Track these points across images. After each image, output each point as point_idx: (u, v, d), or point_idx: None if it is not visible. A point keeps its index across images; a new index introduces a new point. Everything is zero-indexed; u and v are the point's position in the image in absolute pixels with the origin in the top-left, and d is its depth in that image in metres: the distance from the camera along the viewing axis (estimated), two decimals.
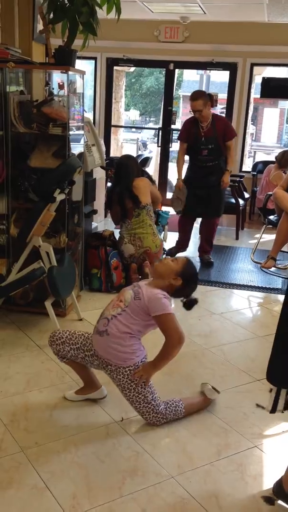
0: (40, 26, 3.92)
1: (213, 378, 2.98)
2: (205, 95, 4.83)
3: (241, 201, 6.27)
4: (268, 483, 2.14)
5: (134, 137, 14.36)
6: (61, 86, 3.53)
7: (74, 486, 2.08)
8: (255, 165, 7.55)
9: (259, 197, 6.48)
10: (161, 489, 2.09)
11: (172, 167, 8.32)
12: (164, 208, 5.06)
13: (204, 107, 4.72)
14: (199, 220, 5.45)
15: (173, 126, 7.81)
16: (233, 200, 6.13)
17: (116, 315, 2.39)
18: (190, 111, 4.92)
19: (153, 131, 16.31)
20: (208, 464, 2.25)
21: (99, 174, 4.67)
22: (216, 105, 8.04)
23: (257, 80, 7.75)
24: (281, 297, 4.47)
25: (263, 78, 7.23)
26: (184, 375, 3.01)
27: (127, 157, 4.52)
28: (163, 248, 4.62)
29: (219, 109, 10.83)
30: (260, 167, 7.40)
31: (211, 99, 4.80)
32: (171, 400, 2.51)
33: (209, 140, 4.84)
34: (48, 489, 2.05)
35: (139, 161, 5.73)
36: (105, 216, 5.83)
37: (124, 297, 2.43)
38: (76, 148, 3.70)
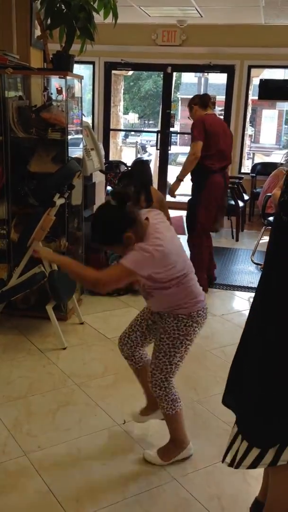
0: (37, 32, 3.93)
1: (215, 380, 2.99)
2: (191, 99, 4.53)
3: (240, 203, 6.29)
4: None
5: (133, 140, 14.40)
6: (59, 91, 3.55)
7: (78, 489, 2.09)
8: (254, 167, 7.58)
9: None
10: (164, 491, 2.09)
11: (171, 170, 8.36)
12: None
13: (191, 112, 4.48)
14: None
15: (171, 129, 7.83)
16: (232, 202, 6.14)
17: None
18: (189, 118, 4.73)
19: (152, 134, 16.33)
20: (211, 466, 2.25)
21: (99, 178, 4.69)
22: (214, 107, 8.08)
23: (255, 82, 7.78)
24: None
25: (261, 80, 7.26)
26: (185, 377, 3.02)
27: (142, 160, 4.56)
28: None
29: (218, 111, 10.87)
30: (259, 168, 7.42)
31: (203, 99, 4.44)
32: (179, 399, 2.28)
33: None
34: (52, 492, 2.06)
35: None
36: None
37: None
38: (75, 153, 3.72)
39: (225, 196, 4.60)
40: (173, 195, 4.49)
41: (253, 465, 1.63)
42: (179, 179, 4.41)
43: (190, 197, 4.51)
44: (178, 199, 5.40)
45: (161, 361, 2.18)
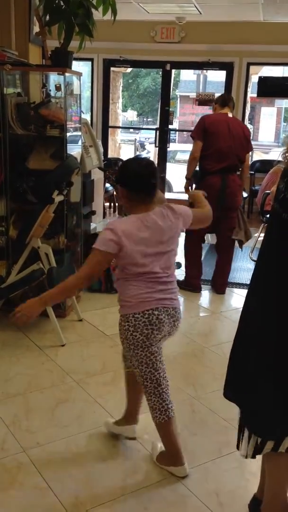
0: (36, 28, 3.93)
1: (213, 376, 2.99)
2: (216, 98, 4.66)
3: None
4: None
5: (132, 137, 14.38)
6: (58, 88, 3.54)
7: (76, 485, 2.09)
8: (252, 164, 7.57)
9: None
10: (162, 487, 2.10)
11: (169, 167, 8.36)
12: None
13: (213, 110, 4.56)
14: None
15: (170, 126, 7.82)
16: None
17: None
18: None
19: (151, 132, 16.31)
20: (209, 462, 2.26)
21: (97, 175, 4.69)
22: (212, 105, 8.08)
23: (254, 80, 7.77)
24: None
25: (260, 77, 7.25)
26: (184, 373, 3.03)
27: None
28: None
29: None
30: (258, 166, 7.42)
31: (223, 99, 4.48)
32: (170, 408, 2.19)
33: None
34: (50, 488, 2.07)
35: None
36: (104, 217, 5.84)
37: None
38: (74, 150, 3.71)
39: (224, 200, 4.18)
40: (187, 193, 4.37)
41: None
42: (186, 177, 4.42)
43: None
44: (178, 196, 5.40)
45: (138, 369, 2.13)
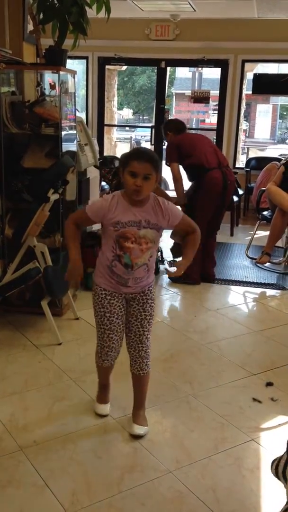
0: (30, 27, 3.92)
1: (210, 374, 3.00)
2: (165, 125, 4.71)
3: (235, 198, 6.29)
4: (265, 476, 2.16)
5: (127, 135, 14.36)
6: (52, 86, 3.54)
7: (73, 483, 2.10)
8: (248, 162, 7.59)
9: None
10: (159, 484, 2.11)
11: (165, 165, 8.34)
12: None
13: (166, 137, 4.64)
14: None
15: None
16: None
17: (151, 254, 2.28)
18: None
19: (146, 130, 16.30)
20: (206, 458, 2.27)
21: (93, 174, 4.68)
22: (209, 102, 8.09)
23: (249, 77, 7.78)
24: (276, 292, 4.50)
25: (255, 74, 7.26)
26: (181, 371, 3.03)
27: None
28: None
29: (212, 106, 10.85)
30: (253, 163, 7.43)
31: (178, 126, 4.58)
32: None
33: None
34: (48, 486, 2.07)
35: None
36: None
37: (147, 237, 2.22)
38: (69, 148, 3.71)
39: (226, 195, 4.41)
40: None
41: None
42: (180, 204, 4.30)
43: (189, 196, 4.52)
44: (173, 194, 5.40)
45: (149, 329, 2.38)
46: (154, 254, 2.32)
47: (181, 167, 4.44)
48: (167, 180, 9.50)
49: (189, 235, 2.32)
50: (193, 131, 4.64)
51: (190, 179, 4.53)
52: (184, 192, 4.51)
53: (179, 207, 2.33)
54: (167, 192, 4.71)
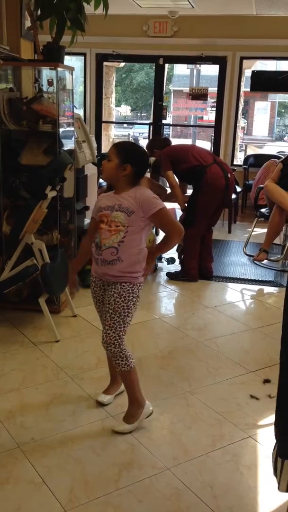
0: (28, 23, 3.91)
1: (207, 371, 3.00)
2: (150, 144, 4.78)
3: (233, 195, 6.28)
4: (262, 473, 2.17)
5: (125, 132, 14.35)
6: (50, 83, 3.53)
7: (71, 480, 2.10)
8: (246, 159, 7.58)
9: None
10: (157, 481, 2.11)
11: None
12: None
13: (152, 155, 4.64)
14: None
15: (164, 121, 7.81)
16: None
17: (122, 239, 2.28)
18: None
19: (144, 127, 16.29)
20: (203, 455, 2.27)
21: (91, 171, 4.68)
22: (207, 99, 8.07)
23: (247, 74, 7.76)
24: (274, 289, 4.51)
25: (253, 71, 7.23)
26: (179, 368, 3.04)
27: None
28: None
29: (210, 103, 10.83)
30: (251, 160, 7.43)
31: (162, 143, 4.65)
32: (131, 356, 2.38)
33: None
34: (45, 483, 2.07)
35: None
36: None
37: (117, 220, 2.28)
38: (67, 145, 3.70)
39: (228, 193, 4.43)
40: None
41: None
42: (182, 210, 4.54)
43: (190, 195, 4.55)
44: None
45: (116, 320, 2.33)
46: (130, 244, 2.28)
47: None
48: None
49: (166, 235, 2.40)
50: (190, 130, 4.70)
51: (191, 183, 4.57)
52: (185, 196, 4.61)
53: (164, 203, 2.34)
54: (167, 191, 4.73)
